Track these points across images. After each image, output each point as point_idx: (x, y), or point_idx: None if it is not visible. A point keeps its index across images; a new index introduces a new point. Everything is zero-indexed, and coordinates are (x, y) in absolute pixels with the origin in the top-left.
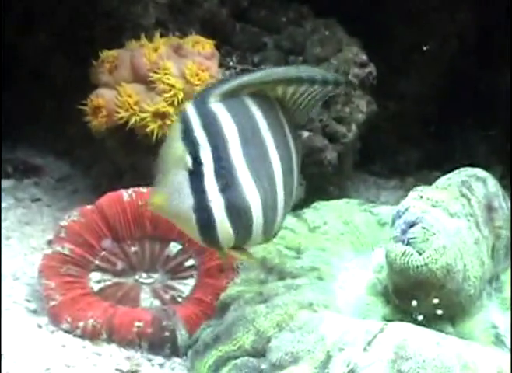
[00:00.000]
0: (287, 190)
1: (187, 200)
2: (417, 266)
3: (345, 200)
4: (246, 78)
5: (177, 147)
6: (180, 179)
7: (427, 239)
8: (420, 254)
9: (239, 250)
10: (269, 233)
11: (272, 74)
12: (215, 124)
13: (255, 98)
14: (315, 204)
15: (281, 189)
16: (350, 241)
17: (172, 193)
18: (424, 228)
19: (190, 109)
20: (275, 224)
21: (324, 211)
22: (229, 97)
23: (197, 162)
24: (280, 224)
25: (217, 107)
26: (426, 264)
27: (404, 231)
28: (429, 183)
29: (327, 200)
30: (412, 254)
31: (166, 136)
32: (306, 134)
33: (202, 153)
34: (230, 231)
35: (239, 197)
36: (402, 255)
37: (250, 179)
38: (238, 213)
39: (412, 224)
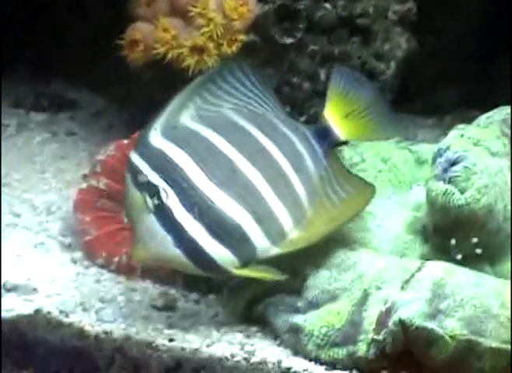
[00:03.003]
0: (285, 193)
1: (165, 241)
2: (459, 206)
3: None
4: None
5: (134, 196)
6: (149, 225)
7: (469, 178)
8: (462, 193)
9: (257, 268)
10: (280, 239)
11: None
12: (163, 160)
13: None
14: (352, 142)
15: (272, 195)
16: (388, 178)
17: (148, 241)
18: (466, 167)
19: (133, 155)
20: (282, 230)
21: (361, 148)
22: (172, 128)
23: (159, 201)
24: (296, 228)
25: (160, 142)
26: (467, 204)
27: (445, 170)
28: (468, 121)
29: None
30: (453, 193)
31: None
32: None
33: (161, 191)
34: (224, 251)
35: (219, 216)
36: (444, 194)
37: (224, 196)
38: (225, 231)
39: (453, 163)
